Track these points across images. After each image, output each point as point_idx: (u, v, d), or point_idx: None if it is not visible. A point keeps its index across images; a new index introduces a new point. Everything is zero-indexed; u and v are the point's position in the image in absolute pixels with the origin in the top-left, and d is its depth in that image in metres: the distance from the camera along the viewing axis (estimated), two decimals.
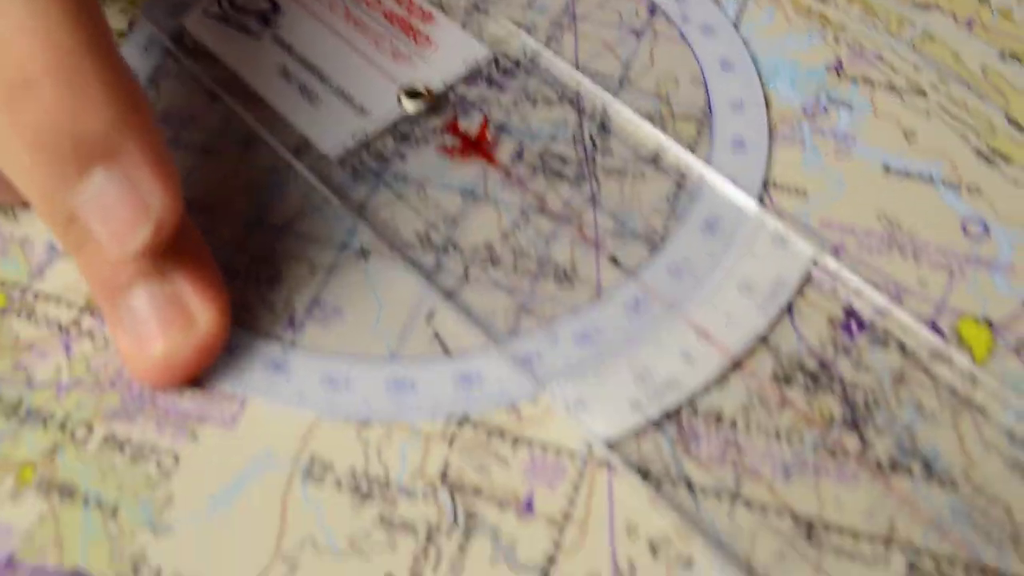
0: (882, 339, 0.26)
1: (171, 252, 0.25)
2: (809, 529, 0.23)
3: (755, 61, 0.32)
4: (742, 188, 0.28)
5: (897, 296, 0.27)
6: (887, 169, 0.29)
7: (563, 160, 0.29)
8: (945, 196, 0.29)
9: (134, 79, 0.24)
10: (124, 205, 0.23)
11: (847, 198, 0.29)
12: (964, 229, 0.28)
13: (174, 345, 0.25)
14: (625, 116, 0.30)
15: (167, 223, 0.23)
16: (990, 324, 0.26)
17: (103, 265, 0.25)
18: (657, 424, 0.24)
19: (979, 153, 0.30)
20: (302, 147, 0.29)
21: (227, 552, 0.23)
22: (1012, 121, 0.30)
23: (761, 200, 0.28)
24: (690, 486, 0.24)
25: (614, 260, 0.27)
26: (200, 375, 0.25)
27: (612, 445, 0.24)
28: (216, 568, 0.23)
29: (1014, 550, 0.23)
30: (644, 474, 0.24)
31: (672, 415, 0.25)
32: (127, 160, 0.23)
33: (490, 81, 0.31)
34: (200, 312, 0.25)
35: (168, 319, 0.25)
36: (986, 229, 0.28)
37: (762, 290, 0.26)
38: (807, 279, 0.27)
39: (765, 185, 0.29)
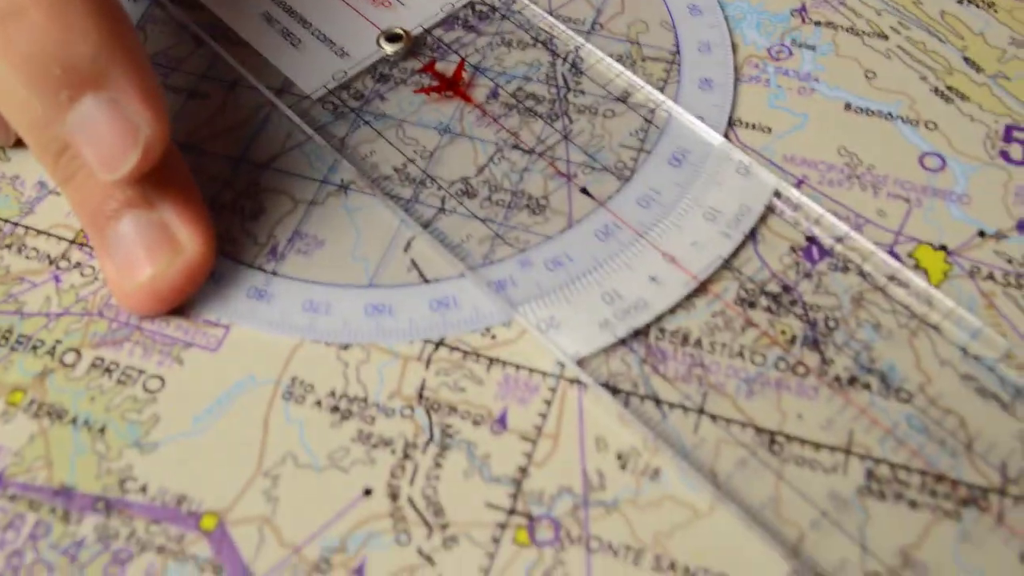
0: (842, 264, 0.25)
1: (158, 182, 0.24)
2: (771, 440, 0.23)
3: (722, 6, 0.31)
4: (709, 125, 0.28)
5: (857, 226, 0.26)
6: (848, 107, 0.29)
7: (536, 99, 0.29)
8: (904, 132, 0.28)
9: (120, 7, 0.23)
10: (113, 130, 0.22)
11: (809, 135, 0.28)
12: (922, 163, 0.28)
13: (161, 270, 0.24)
14: (596, 57, 0.29)
15: (156, 146, 0.23)
16: (946, 250, 0.26)
17: (93, 194, 0.24)
18: (626, 343, 0.24)
19: (937, 91, 0.29)
20: (284, 88, 0.29)
21: (211, 468, 0.23)
22: (969, 61, 0.30)
23: (727, 136, 0.28)
24: (657, 402, 0.23)
25: (585, 191, 0.27)
26: (185, 303, 0.25)
27: (582, 363, 0.24)
28: (200, 483, 0.23)
29: (967, 458, 0.22)
30: (613, 390, 0.23)
31: (640, 335, 0.24)
32: (115, 86, 0.22)
33: (467, 25, 0.30)
34: (187, 239, 0.24)
35: (155, 245, 0.24)
36: (943, 162, 0.28)
37: (727, 218, 0.26)
38: (770, 208, 0.26)
39: (731, 122, 0.28)
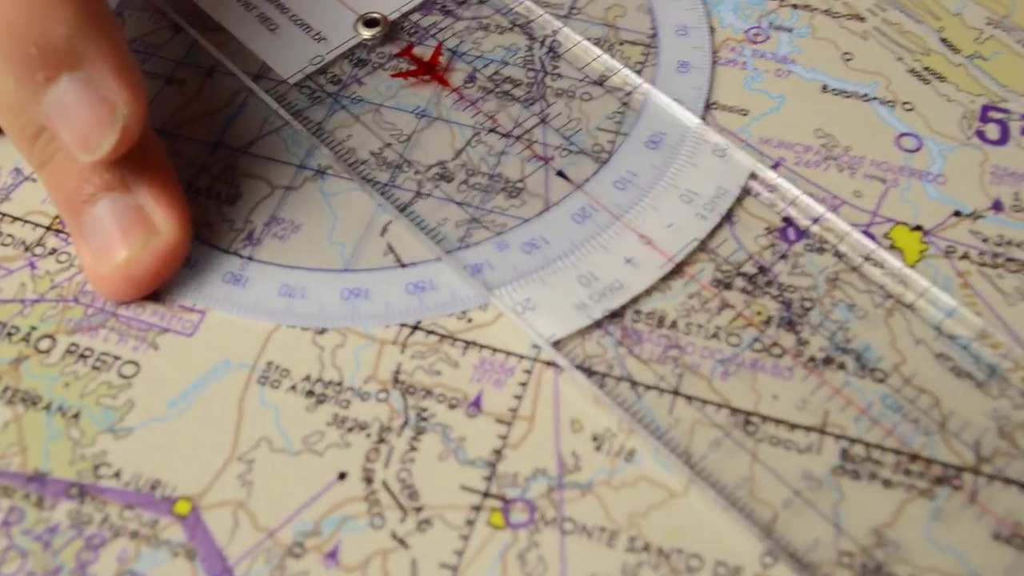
0: (817, 245, 0.25)
1: (134, 166, 0.24)
2: (746, 421, 0.22)
3: None
4: (686, 107, 0.27)
5: (833, 207, 0.26)
6: (825, 89, 0.28)
7: (514, 82, 0.28)
8: (880, 113, 0.28)
9: None
10: (91, 110, 0.22)
11: (786, 117, 0.28)
12: (898, 143, 0.27)
13: (136, 253, 0.24)
14: (574, 41, 0.29)
15: (134, 126, 0.22)
16: (922, 230, 0.25)
17: (69, 178, 0.24)
18: (602, 325, 0.24)
19: (913, 72, 0.29)
20: (262, 73, 0.28)
21: (185, 453, 0.22)
22: (945, 42, 0.29)
23: (704, 119, 0.27)
24: (633, 383, 0.23)
25: (562, 174, 0.26)
26: (161, 288, 0.25)
27: (558, 345, 0.23)
28: (174, 468, 0.22)
29: (941, 437, 0.22)
30: (589, 372, 0.23)
31: (616, 317, 0.24)
32: (91, 66, 0.22)
33: (444, 9, 0.30)
34: (162, 222, 0.24)
35: (130, 228, 0.24)
36: (919, 143, 0.27)
37: (703, 200, 0.25)
38: (746, 190, 0.26)
39: (708, 105, 0.28)
